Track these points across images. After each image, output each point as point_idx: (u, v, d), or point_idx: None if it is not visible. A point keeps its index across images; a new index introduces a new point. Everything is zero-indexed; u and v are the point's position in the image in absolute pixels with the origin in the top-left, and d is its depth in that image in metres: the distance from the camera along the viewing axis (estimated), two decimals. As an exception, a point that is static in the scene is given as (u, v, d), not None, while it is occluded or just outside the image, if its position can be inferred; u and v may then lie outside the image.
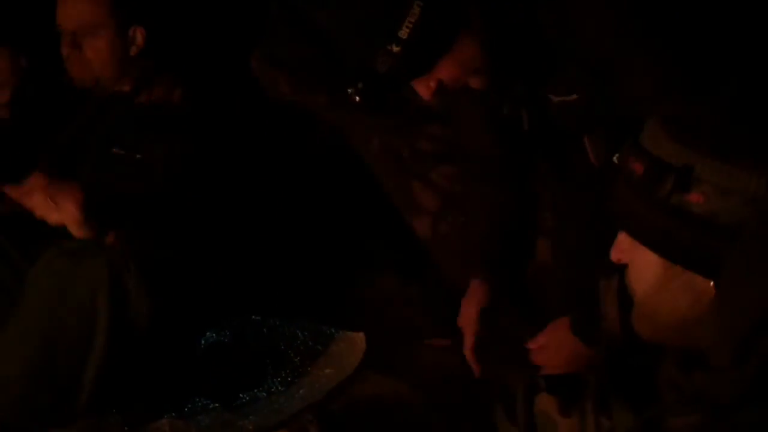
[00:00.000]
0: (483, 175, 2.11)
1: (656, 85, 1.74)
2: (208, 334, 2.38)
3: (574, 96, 1.88)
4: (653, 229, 1.17)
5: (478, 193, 2.11)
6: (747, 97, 1.48)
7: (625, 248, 1.24)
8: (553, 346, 1.93)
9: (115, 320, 2.14)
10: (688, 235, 1.15)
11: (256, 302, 2.49)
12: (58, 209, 2.06)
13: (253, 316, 2.46)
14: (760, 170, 1.12)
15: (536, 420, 1.39)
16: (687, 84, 1.72)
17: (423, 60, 1.71)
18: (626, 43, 1.73)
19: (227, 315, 2.44)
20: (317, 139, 2.86)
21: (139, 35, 2.41)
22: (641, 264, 1.21)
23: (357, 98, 1.75)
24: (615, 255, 1.26)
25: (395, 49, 1.66)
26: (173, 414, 2.23)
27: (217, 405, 2.26)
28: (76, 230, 2.08)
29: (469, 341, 1.97)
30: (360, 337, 2.39)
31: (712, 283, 1.15)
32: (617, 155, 1.20)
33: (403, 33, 1.65)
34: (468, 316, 2.01)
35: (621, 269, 1.27)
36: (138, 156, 2.35)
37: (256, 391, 2.29)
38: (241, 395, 2.28)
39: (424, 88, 1.76)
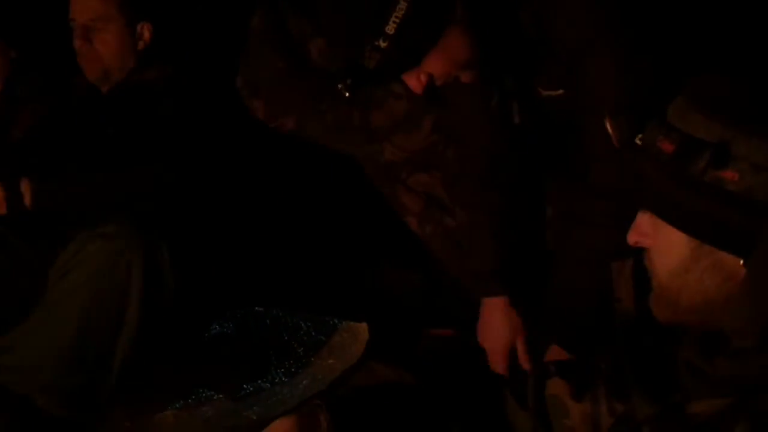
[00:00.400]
0: (483, 173, 2.11)
1: (622, 77, 1.76)
2: (212, 325, 2.38)
3: (560, 91, 1.89)
4: (684, 208, 1.16)
5: (475, 194, 2.11)
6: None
7: (645, 230, 1.23)
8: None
9: (147, 302, 2.17)
10: (721, 212, 1.14)
11: (259, 294, 2.49)
12: None
13: (257, 308, 2.46)
14: None
15: (547, 405, 1.39)
16: (654, 70, 1.73)
17: (410, 55, 1.72)
18: (592, 35, 1.75)
19: (231, 307, 2.44)
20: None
21: (146, 31, 2.49)
22: (666, 245, 1.20)
23: (347, 93, 1.76)
24: (633, 238, 1.24)
25: (383, 44, 1.67)
26: (177, 405, 2.23)
27: (221, 396, 2.27)
28: None
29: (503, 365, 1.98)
30: (363, 328, 2.39)
31: (741, 262, 1.14)
32: (641, 136, 1.19)
33: (390, 28, 1.66)
34: (502, 344, 1.99)
35: (636, 252, 1.26)
36: (128, 136, 2.39)
37: (259, 381, 2.29)
38: (245, 386, 2.29)
39: (414, 82, 1.77)
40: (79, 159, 2.40)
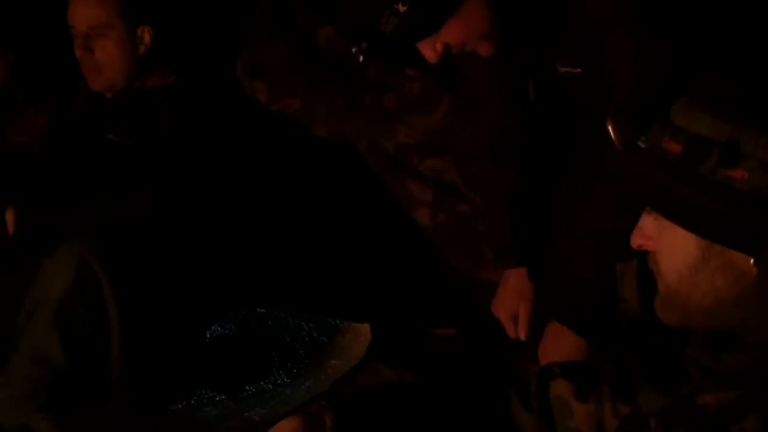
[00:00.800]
0: (497, 150, 2.10)
1: (638, 65, 1.75)
2: (213, 326, 2.38)
3: (579, 69, 1.87)
4: (693, 208, 1.16)
5: (492, 173, 2.10)
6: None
7: (649, 234, 1.22)
8: (550, 340, 1.93)
9: (125, 299, 2.18)
10: (731, 211, 1.13)
11: (261, 295, 2.48)
12: None
13: (259, 309, 2.46)
14: None
15: (552, 406, 1.39)
16: (671, 62, 1.73)
17: (429, 21, 1.68)
18: (613, 16, 1.74)
19: (233, 308, 2.44)
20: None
21: (147, 35, 2.48)
22: (673, 247, 1.19)
23: (360, 58, 1.72)
24: (637, 241, 1.24)
25: (402, 8, 1.64)
26: (179, 406, 2.23)
27: (223, 397, 2.27)
28: None
29: (524, 330, 1.99)
30: (365, 328, 2.39)
31: (752, 261, 1.14)
32: (644, 138, 1.19)
33: None
34: (513, 306, 2.01)
35: (640, 254, 1.25)
36: (129, 143, 2.38)
37: (262, 383, 2.29)
38: (247, 387, 2.28)
39: (430, 51, 1.73)
40: (79, 165, 2.40)
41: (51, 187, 2.37)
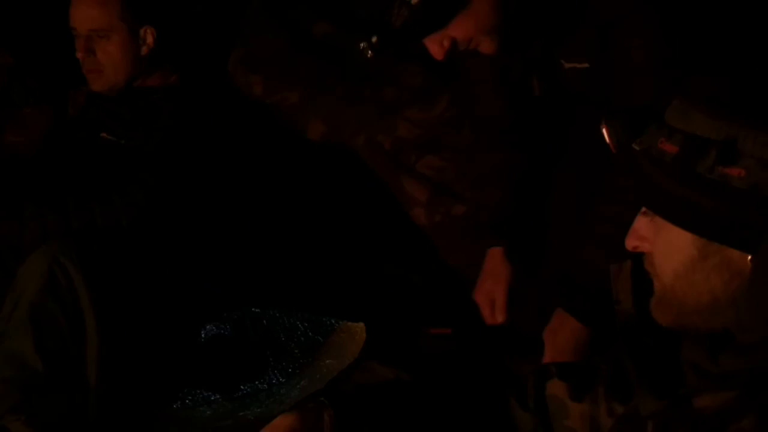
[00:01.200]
0: (494, 142, 2.10)
1: (654, 54, 1.75)
2: (208, 326, 2.38)
3: (585, 64, 1.87)
4: (690, 207, 1.16)
5: (489, 162, 2.10)
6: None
7: (644, 235, 1.23)
8: (553, 331, 1.93)
9: (102, 302, 2.15)
10: (729, 209, 1.14)
11: (256, 294, 2.48)
12: None
13: (254, 309, 2.46)
14: None
15: (548, 406, 1.39)
16: (682, 54, 1.73)
17: (439, 15, 1.67)
18: (626, 10, 1.74)
19: (228, 308, 2.43)
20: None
21: (149, 36, 2.45)
22: (670, 247, 1.20)
23: (369, 53, 1.70)
24: (632, 243, 1.24)
25: (413, 1, 1.63)
26: (175, 406, 2.23)
27: (218, 397, 2.27)
28: None
29: (501, 313, 1.99)
30: (360, 328, 2.39)
31: (749, 258, 1.14)
32: (639, 140, 1.19)
33: None
34: (491, 290, 2.02)
35: (635, 256, 1.25)
36: (122, 141, 2.37)
37: (257, 382, 2.29)
38: (242, 387, 2.29)
39: (437, 47, 1.72)
40: (71, 163, 2.40)
41: (45, 187, 2.37)
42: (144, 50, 2.46)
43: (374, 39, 1.68)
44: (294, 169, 2.70)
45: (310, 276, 2.59)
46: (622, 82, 1.79)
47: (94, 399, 2.13)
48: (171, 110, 2.41)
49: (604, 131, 1.23)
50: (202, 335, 2.37)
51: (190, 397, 2.26)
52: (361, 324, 2.40)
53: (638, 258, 1.26)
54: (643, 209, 1.23)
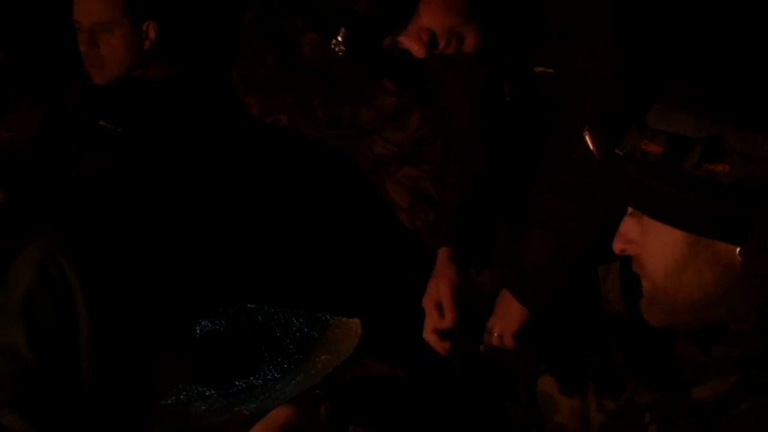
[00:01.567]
0: (462, 150, 2.10)
1: (606, 63, 1.75)
2: (203, 322, 2.38)
3: (551, 69, 1.88)
4: (678, 204, 1.18)
5: (451, 171, 2.11)
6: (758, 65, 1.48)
7: (632, 237, 1.24)
8: (500, 314, 1.92)
9: (96, 299, 2.17)
10: (716, 204, 1.16)
11: (251, 290, 2.49)
12: None
13: (248, 304, 2.46)
14: None
15: (538, 401, 1.40)
16: (639, 63, 1.73)
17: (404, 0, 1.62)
18: (580, 21, 1.74)
19: (222, 303, 2.44)
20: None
21: (152, 30, 2.47)
22: (660, 246, 1.21)
23: (339, 51, 1.66)
24: (619, 246, 1.26)
25: None
26: (169, 401, 2.23)
27: (213, 392, 2.27)
28: None
29: (436, 323, 1.95)
30: (355, 323, 2.39)
31: (738, 251, 1.16)
32: (621, 145, 1.21)
33: None
34: (437, 294, 1.99)
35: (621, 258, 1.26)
36: (119, 130, 2.38)
37: (252, 378, 2.29)
38: (237, 383, 2.29)
39: (416, 44, 1.68)
40: (68, 151, 2.40)
41: (39, 177, 2.37)
42: (146, 44, 2.48)
43: (342, 32, 1.64)
44: (290, 164, 2.71)
45: (305, 272, 2.60)
46: (579, 92, 1.79)
47: (87, 393, 2.14)
48: (169, 101, 2.43)
49: (587, 138, 1.25)
50: (197, 331, 2.37)
51: (184, 393, 2.26)
52: (357, 320, 2.40)
53: (626, 260, 1.27)
54: (630, 211, 1.25)
